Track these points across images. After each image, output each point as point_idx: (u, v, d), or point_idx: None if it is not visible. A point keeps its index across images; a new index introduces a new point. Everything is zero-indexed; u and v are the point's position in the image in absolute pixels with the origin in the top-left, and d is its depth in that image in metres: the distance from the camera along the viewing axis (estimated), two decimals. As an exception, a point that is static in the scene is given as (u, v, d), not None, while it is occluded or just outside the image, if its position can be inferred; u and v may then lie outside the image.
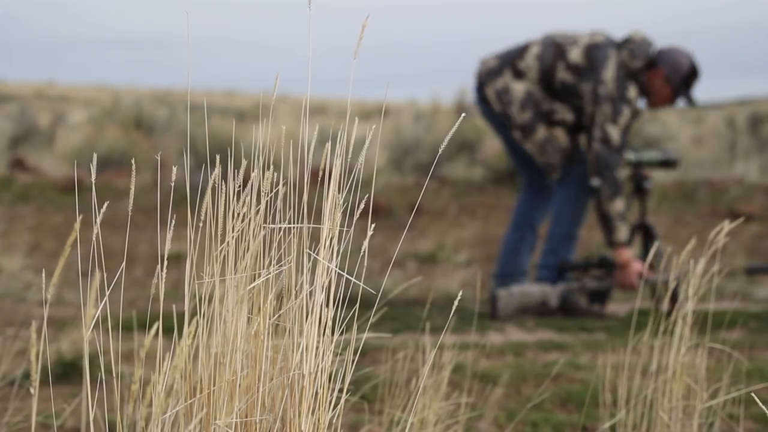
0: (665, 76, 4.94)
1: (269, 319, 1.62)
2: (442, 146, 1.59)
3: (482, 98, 5.10)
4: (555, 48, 4.99)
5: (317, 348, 1.58)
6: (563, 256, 5.04)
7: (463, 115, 1.61)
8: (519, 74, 4.98)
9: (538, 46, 5.01)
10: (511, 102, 4.97)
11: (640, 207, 5.21)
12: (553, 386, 3.25)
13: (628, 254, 4.90)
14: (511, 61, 5.02)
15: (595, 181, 4.86)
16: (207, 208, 1.62)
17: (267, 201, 1.64)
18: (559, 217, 5.06)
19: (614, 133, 4.84)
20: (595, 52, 4.92)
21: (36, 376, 1.42)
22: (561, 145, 4.96)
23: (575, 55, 4.93)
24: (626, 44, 4.96)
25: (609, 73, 4.87)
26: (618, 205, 4.86)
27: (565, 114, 4.95)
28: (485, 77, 5.06)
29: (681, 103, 5.06)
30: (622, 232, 4.87)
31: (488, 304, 4.88)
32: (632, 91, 4.89)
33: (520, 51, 5.03)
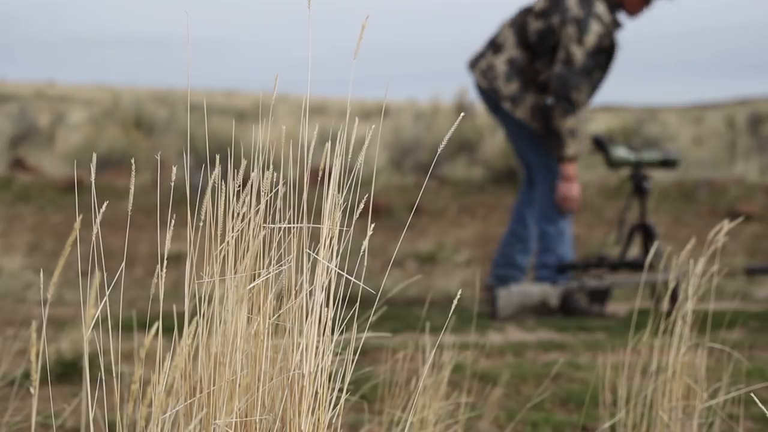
0: None
1: (269, 319, 1.62)
2: (441, 145, 1.59)
3: (476, 85, 5.12)
4: (522, 10, 5.06)
5: (317, 348, 1.58)
6: (562, 253, 5.02)
7: (462, 114, 1.61)
8: (498, 48, 5.02)
9: (510, 18, 5.07)
10: (495, 77, 4.99)
11: (640, 207, 5.21)
12: (553, 386, 3.25)
13: (575, 170, 4.88)
14: (490, 41, 5.09)
15: (549, 100, 4.83)
16: (207, 208, 1.62)
17: (267, 201, 1.64)
18: (545, 213, 5.04)
19: (578, 53, 4.82)
20: None
21: (36, 376, 1.42)
22: None
23: (540, 3, 4.97)
24: None
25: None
26: (571, 122, 4.82)
27: (548, 71, 4.93)
28: (473, 64, 5.11)
29: (660, 3, 5.03)
30: (572, 146, 4.84)
31: (485, 296, 4.88)
32: (599, 6, 4.87)
33: (497, 30, 5.09)
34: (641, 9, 5.01)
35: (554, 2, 4.92)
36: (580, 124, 4.89)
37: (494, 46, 5.05)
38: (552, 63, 4.93)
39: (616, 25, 4.94)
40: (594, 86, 5.02)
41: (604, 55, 4.93)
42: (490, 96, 5.05)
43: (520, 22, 5.01)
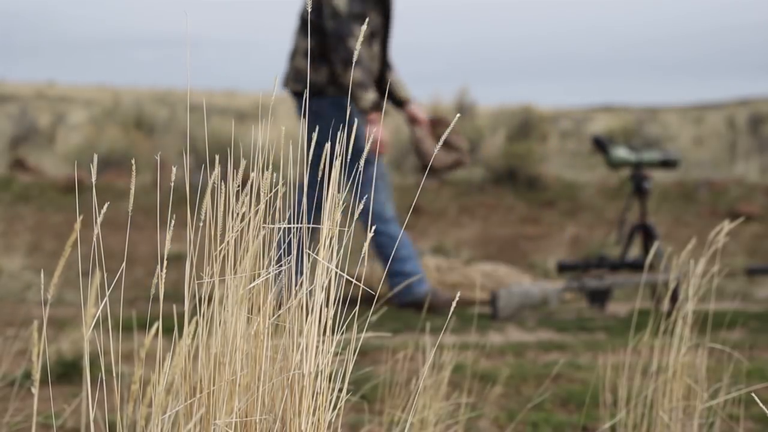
0: None
1: (269, 319, 1.62)
2: (439, 145, 1.59)
3: (294, 95, 5.00)
4: (301, 13, 4.97)
5: (317, 348, 1.58)
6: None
7: (458, 115, 1.61)
8: (294, 55, 4.94)
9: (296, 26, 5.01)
10: (303, 77, 4.89)
11: (640, 207, 5.21)
12: (553, 386, 3.25)
13: (377, 119, 4.70)
14: (289, 56, 5.00)
15: (332, 55, 4.75)
16: (207, 208, 1.62)
17: (267, 201, 1.64)
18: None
19: (340, 2, 4.73)
20: None
21: (37, 376, 1.42)
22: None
23: None
24: None
25: None
26: (356, 74, 4.70)
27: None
28: (285, 83, 5.00)
29: None
30: (366, 99, 4.68)
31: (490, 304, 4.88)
32: None
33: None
34: None
35: None
36: (368, 74, 4.76)
37: (292, 56, 4.95)
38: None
39: None
40: (376, 31, 4.89)
41: None
42: (311, 97, 4.86)
43: (302, 22, 4.92)
